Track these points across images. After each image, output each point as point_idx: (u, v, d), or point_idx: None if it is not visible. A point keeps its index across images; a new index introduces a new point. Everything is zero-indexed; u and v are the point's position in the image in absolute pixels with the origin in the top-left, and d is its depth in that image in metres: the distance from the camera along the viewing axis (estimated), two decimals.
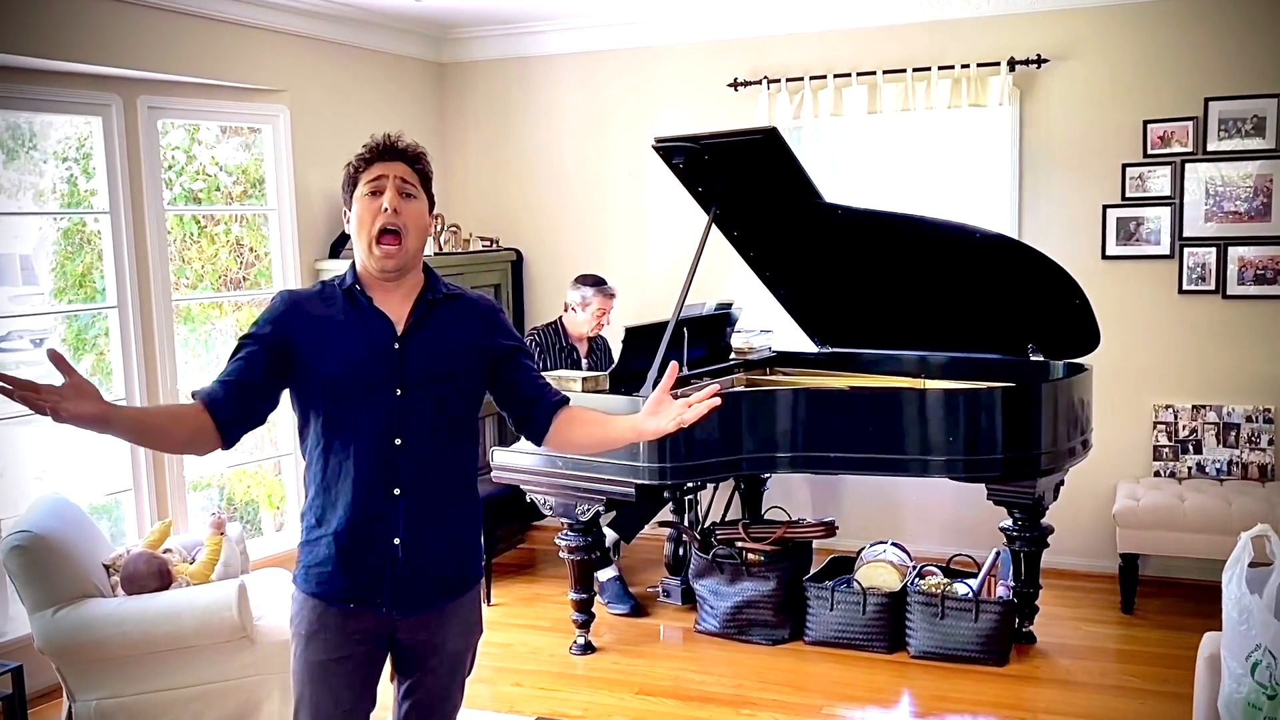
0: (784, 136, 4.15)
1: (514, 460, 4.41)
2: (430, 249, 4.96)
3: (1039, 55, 5.09)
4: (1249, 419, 4.94)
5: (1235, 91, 4.87)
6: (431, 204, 2.36)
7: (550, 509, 4.38)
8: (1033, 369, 4.51)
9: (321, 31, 5.35)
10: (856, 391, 4.23)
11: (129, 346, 4.58)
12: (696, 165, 4.36)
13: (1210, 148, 4.92)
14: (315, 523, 2.28)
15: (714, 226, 4.48)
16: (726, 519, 5.21)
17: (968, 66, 5.16)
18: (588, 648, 4.50)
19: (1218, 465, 4.98)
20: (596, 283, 5.16)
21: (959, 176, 5.38)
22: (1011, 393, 4.05)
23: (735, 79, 5.61)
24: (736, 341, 5.14)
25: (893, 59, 5.32)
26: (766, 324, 5.38)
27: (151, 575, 3.69)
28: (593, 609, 4.54)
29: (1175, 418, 5.05)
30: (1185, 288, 5.02)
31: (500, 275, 6.05)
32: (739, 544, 4.60)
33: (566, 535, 4.40)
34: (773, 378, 4.93)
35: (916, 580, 4.47)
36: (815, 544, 4.83)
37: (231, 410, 2.17)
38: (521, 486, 4.45)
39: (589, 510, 4.30)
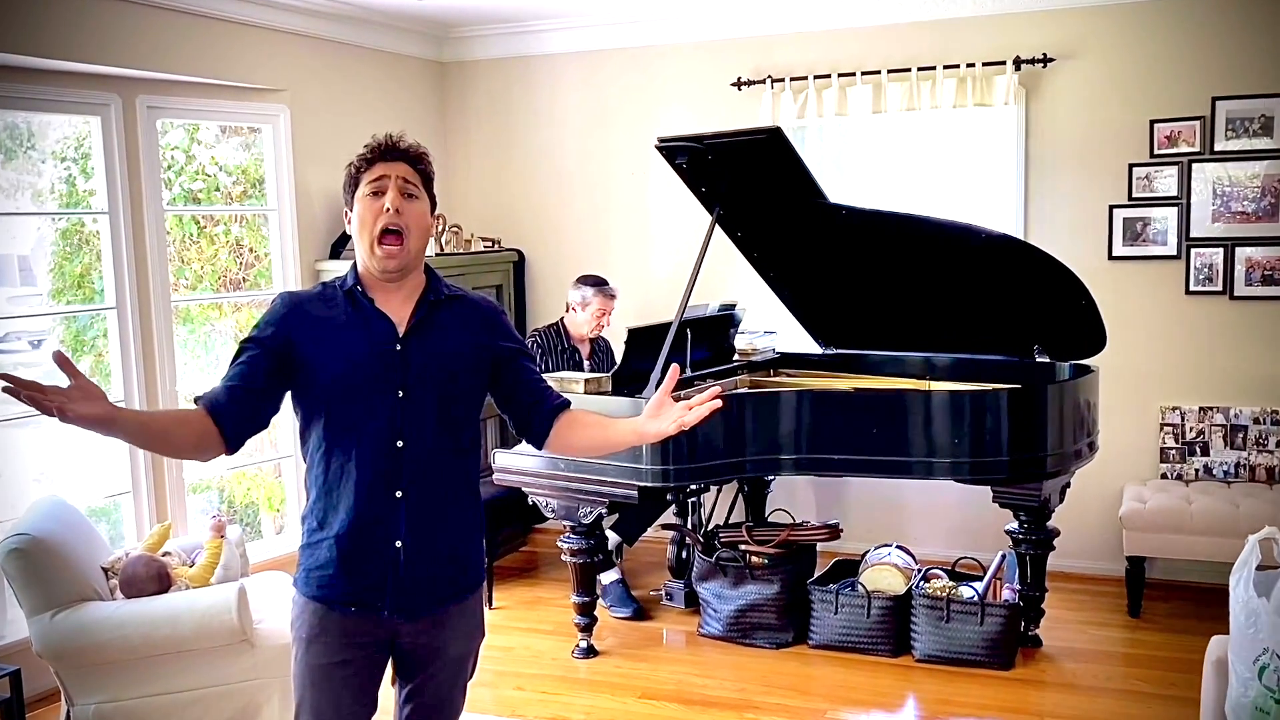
0: (788, 136, 4.15)
1: (516, 462, 4.40)
2: (432, 250, 4.95)
3: (1045, 54, 5.07)
4: (1256, 421, 4.91)
5: (1243, 91, 4.84)
6: (433, 204, 2.35)
7: (552, 511, 4.36)
8: (1038, 370, 4.50)
9: (322, 30, 5.33)
10: (861, 393, 4.22)
11: (128, 348, 4.56)
12: (700, 165, 4.35)
13: (1218, 147, 4.89)
14: (316, 525, 2.27)
15: (717, 227, 4.47)
16: (730, 521, 5.20)
17: (973, 66, 5.14)
18: (590, 651, 4.48)
19: (1225, 467, 4.96)
20: (598, 283, 5.14)
21: (964, 176, 5.36)
22: (1017, 394, 4.04)
23: (739, 78, 5.59)
24: (740, 343, 5.12)
25: (897, 58, 5.30)
26: (770, 325, 5.37)
27: (151, 578, 3.67)
28: (595, 612, 4.52)
29: (1182, 419, 5.03)
30: (1192, 288, 4.99)
31: (502, 276, 6.03)
32: (742, 547, 4.58)
33: (569, 538, 4.39)
34: (776, 379, 4.92)
35: (921, 583, 4.44)
36: (819, 547, 4.83)
37: (235, 416, 2.17)
38: (523, 489, 4.44)
39: (591, 513, 4.28)
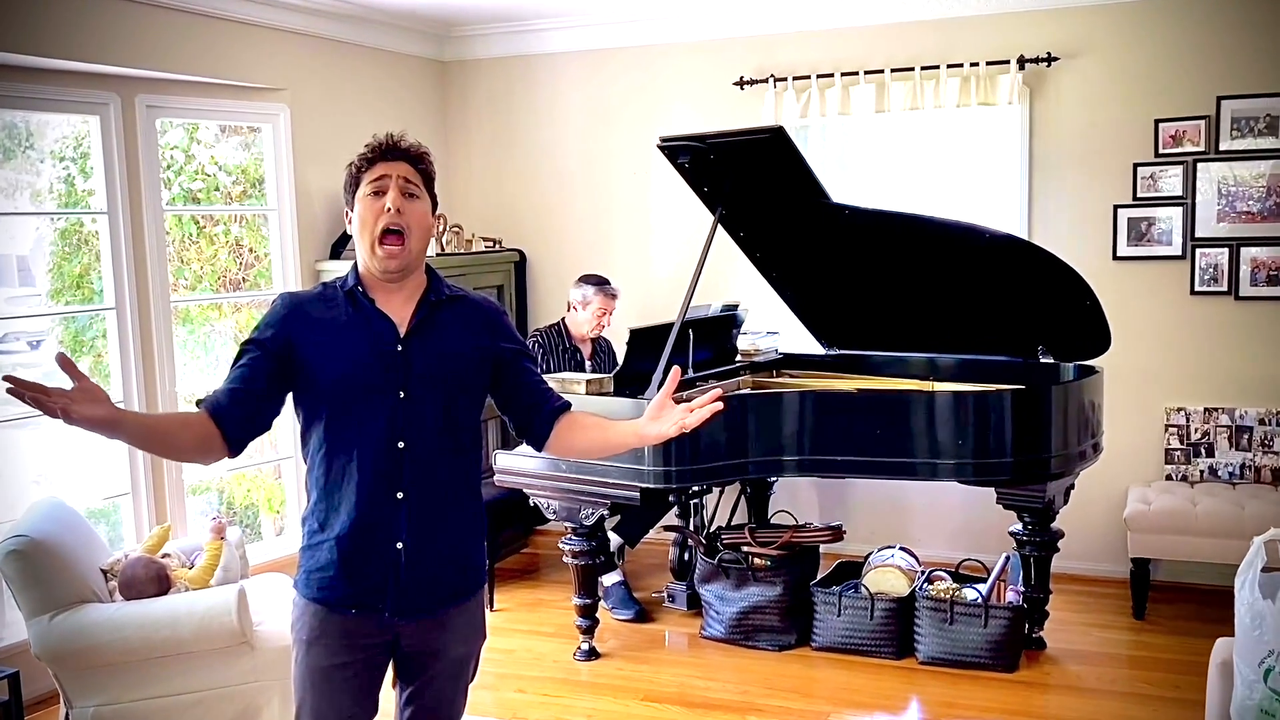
0: (791, 136, 4.13)
1: (517, 464, 4.38)
2: (432, 250, 4.92)
3: (1049, 53, 5.05)
4: (1262, 422, 4.89)
5: (1248, 90, 4.82)
6: (435, 204, 2.35)
7: (554, 513, 4.36)
8: (1043, 371, 4.49)
9: (322, 29, 5.31)
10: (864, 394, 4.21)
11: (127, 348, 4.55)
12: (702, 165, 4.34)
13: (1223, 147, 4.87)
14: (317, 527, 2.27)
15: (720, 227, 4.46)
16: (732, 523, 5.18)
17: (977, 65, 5.12)
18: (592, 654, 4.47)
19: (1230, 469, 4.94)
20: (599, 282, 5.13)
21: (968, 176, 5.34)
22: (1021, 395, 4.04)
23: (742, 77, 5.58)
24: (742, 343, 5.11)
25: (901, 57, 5.28)
26: (773, 326, 5.36)
27: (150, 580, 3.66)
28: (597, 614, 4.51)
29: (1187, 420, 5.01)
30: (1197, 289, 4.97)
31: (503, 276, 6.02)
32: (745, 548, 4.57)
33: (570, 540, 4.37)
34: (779, 380, 4.91)
35: (925, 585, 4.43)
36: (822, 548, 4.81)
37: (237, 419, 2.17)
38: (525, 490, 4.43)
39: (593, 514, 4.27)
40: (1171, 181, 4.95)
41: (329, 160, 5.23)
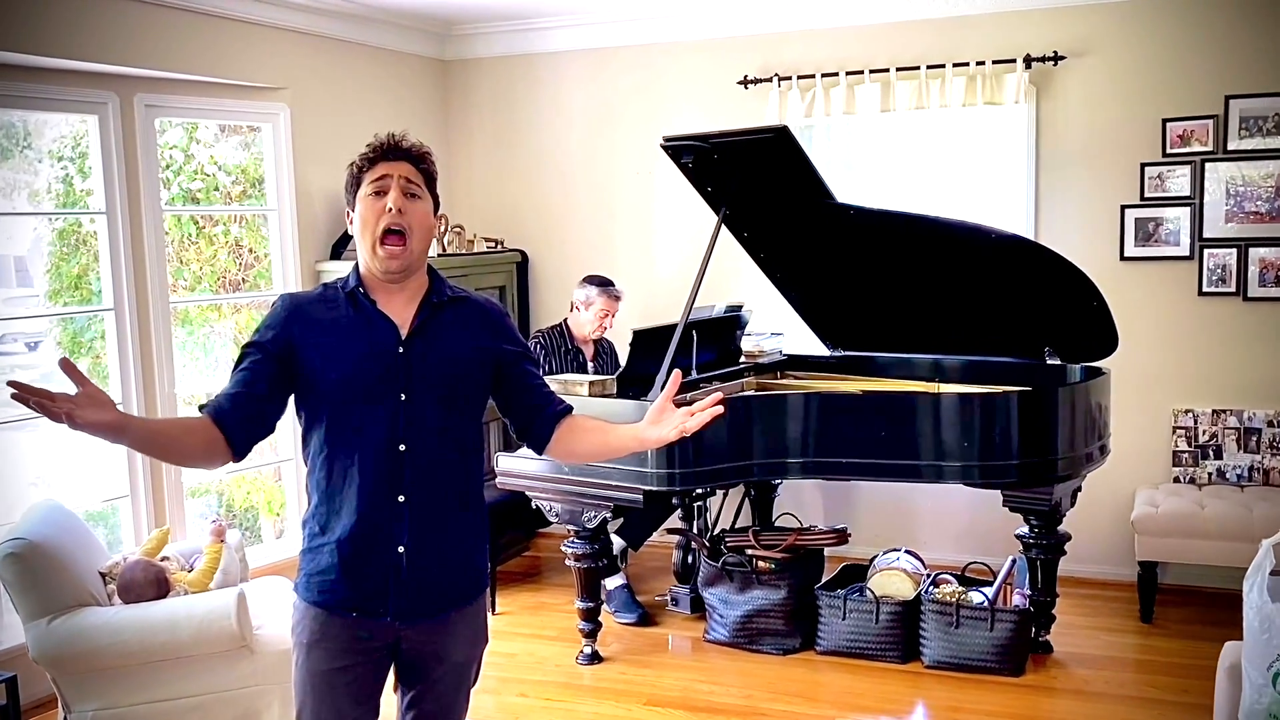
0: (795, 135, 4.12)
1: (519, 466, 4.37)
2: (434, 250, 4.91)
3: (1056, 52, 5.03)
4: (1270, 424, 4.87)
5: (1257, 89, 4.80)
6: (436, 204, 2.35)
7: (556, 516, 4.35)
8: (1049, 373, 4.48)
9: (323, 28, 5.29)
10: (869, 396, 4.20)
11: (125, 350, 4.52)
12: (706, 165, 4.33)
13: (1231, 146, 4.85)
14: (318, 530, 2.27)
15: (724, 227, 4.45)
16: (736, 526, 5.18)
17: (983, 64, 5.10)
18: (594, 657, 4.45)
19: (1238, 471, 4.92)
20: (603, 283, 5.12)
21: (974, 176, 5.33)
22: (1028, 397, 4.03)
23: (746, 76, 5.55)
24: (746, 345, 5.10)
25: (906, 56, 5.26)
26: (777, 327, 5.35)
27: (149, 583, 3.65)
28: (600, 618, 4.50)
29: (1195, 422, 4.99)
30: (1205, 290, 4.95)
31: (505, 277, 6.00)
32: (749, 551, 4.55)
33: (573, 542, 4.36)
34: (783, 382, 4.90)
35: (931, 589, 4.42)
36: (827, 551, 4.78)
37: (240, 423, 2.17)
38: (527, 493, 4.41)
39: (596, 517, 4.25)
40: (1179, 181, 4.93)
41: (329, 160, 5.22)
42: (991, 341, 4.59)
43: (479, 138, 6.23)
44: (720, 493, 5.25)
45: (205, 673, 3.52)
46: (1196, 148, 4.90)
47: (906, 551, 4.71)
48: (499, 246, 6.02)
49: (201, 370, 5.00)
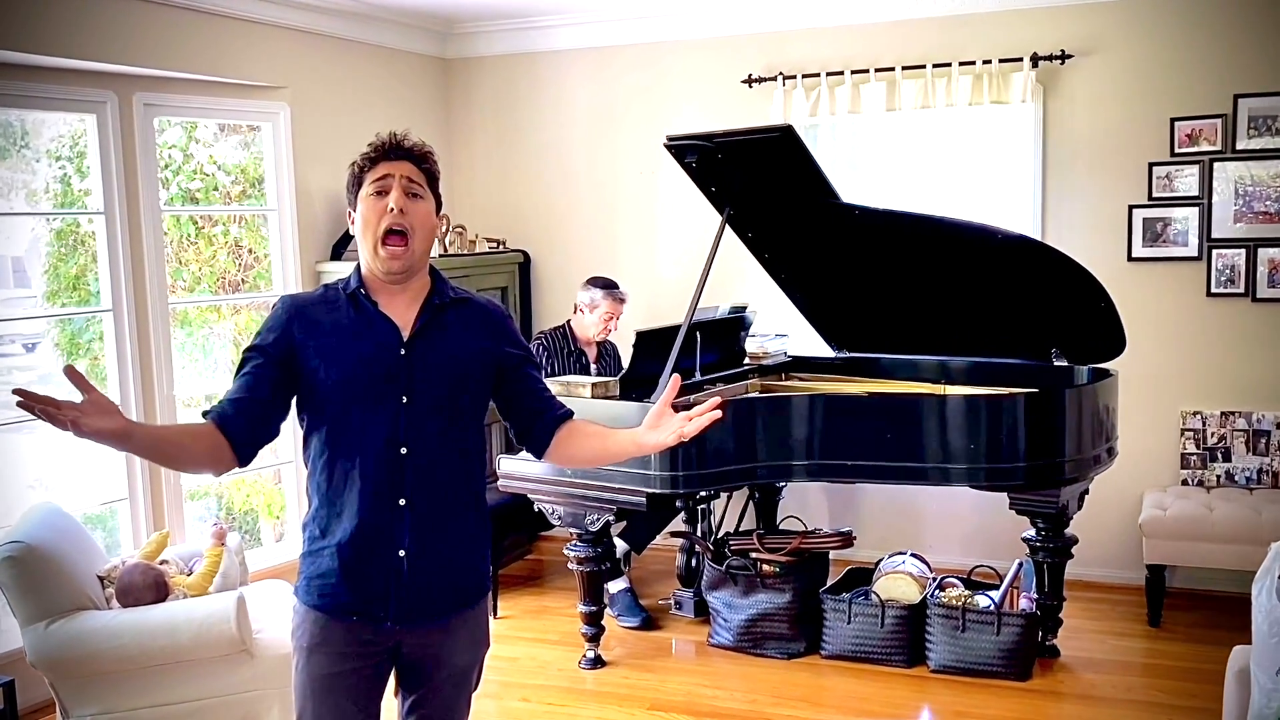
0: (800, 134, 4.11)
1: (521, 469, 4.35)
2: (435, 251, 4.89)
3: (1063, 51, 5.00)
4: (1279, 426, 4.82)
5: (1266, 88, 4.78)
6: (438, 204, 2.34)
7: (559, 519, 4.34)
8: (1056, 374, 4.46)
9: (323, 26, 5.27)
10: (875, 398, 4.20)
11: (124, 351, 4.50)
12: (710, 164, 4.32)
13: (1240, 146, 4.83)
14: (319, 534, 2.26)
15: (728, 227, 4.44)
16: (741, 529, 5.15)
17: (989, 62, 5.07)
18: (597, 662, 4.44)
19: (1247, 474, 4.89)
20: (607, 285, 5.10)
21: (980, 176, 5.31)
22: (1034, 399, 4.02)
23: (750, 75, 5.53)
24: (751, 346, 5.09)
25: (912, 55, 5.24)
26: (782, 328, 5.33)
27: (148, 587, 3.64)
28: (603, 622, 4.49)
29: (1203, 424, 4.96)
30: (1214, 290, 4.93)
31: (507, 278, 5.97)
32: (753, 555, 4.54)
33: (575, 546, 4.35)
34: (788, 384, 4.89)
35: (936, 592, 4.40)
36: (832, 555, 4.77)
37: (244, 428, 2.17)
38: (529, 496, 4.40)
39: (599, 520, 4.24)
40: (1187, 181, 4.90)
41: (330, 160, 5.20)
42: (998, 343, 4.58)
43: (481, 137, 6.21)
44: (724, 495, 5.24)
45: (205, 677, 3.51)
46: (1205, 147, 4.87)
47: (912, 555, 4.70)
48: (501, 247, 6.00)
49: (201, 372, 4.98)
